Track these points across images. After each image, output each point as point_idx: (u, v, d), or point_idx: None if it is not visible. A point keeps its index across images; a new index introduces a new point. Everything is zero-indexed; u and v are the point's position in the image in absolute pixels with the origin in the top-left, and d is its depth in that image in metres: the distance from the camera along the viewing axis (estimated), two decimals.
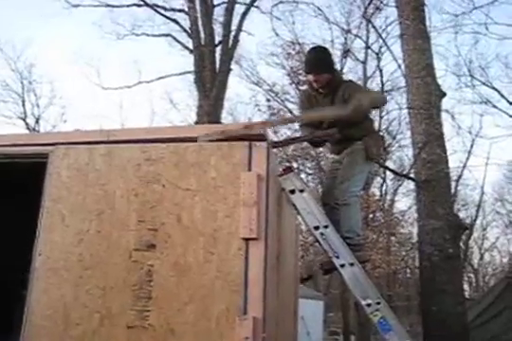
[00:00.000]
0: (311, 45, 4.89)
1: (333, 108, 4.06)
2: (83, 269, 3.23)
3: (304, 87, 4.87)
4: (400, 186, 25.49)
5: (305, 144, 13.38)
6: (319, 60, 4.23)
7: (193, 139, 3.38)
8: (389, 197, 25.47)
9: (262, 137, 3.32)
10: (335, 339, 20.90)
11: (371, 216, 17.23)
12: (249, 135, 3.31)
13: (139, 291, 3.12)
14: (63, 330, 3.13)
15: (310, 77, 4.22)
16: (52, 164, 3.52)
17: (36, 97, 26.15)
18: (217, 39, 14.57)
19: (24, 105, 25.69)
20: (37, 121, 25.63)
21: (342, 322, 20.40)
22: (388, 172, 21.32)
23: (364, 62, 18.21)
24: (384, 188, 24.73)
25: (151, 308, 3.07)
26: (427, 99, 7.26)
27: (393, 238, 22.41)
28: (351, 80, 4.89)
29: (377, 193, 22.78)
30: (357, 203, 4.19)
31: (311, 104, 4.34)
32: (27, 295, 3.25)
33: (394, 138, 21.71)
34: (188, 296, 3.05)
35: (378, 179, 24.39)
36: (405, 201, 29.64)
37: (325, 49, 4.54)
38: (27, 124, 24.96)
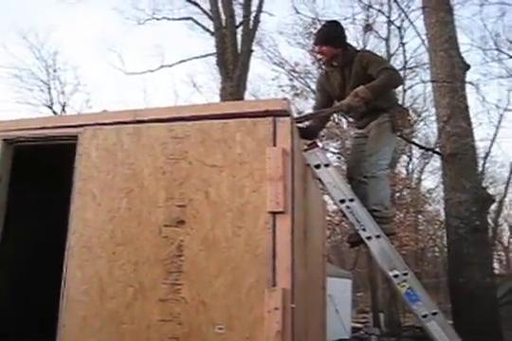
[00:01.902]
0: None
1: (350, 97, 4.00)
2: (116, 245, 3.32)
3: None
4: (427, 164, 25.29)
5: (329, 123, 13.36)
6: (323, 33, 4.34)
7: (219, 117, 3.43)
8: (416, 175, 25.32)
9: (285, 113, 3.35)
10: (363, 317, 20.97)
11: (397, 194, 17.15)
12: (274, 112, 3.35)
13: (170, 265, 3.20)
14: (99, 304, 3.24)
15: (317, 48, 4.32)
16: (82, 145, 3.61)
17: (61, 84, 26.37)
18: (238, 20, 14.50)
19: (50, 93, 25.92)
20: (63, 108, 25.88)
21: (371, 301, 20.48)
22: (414, 151, 21.17)
23: (387, 39, 17.97)
24: (410, 166, 24.59)
25: (182, 281, 3.15)
26: (450, 72, 7.20)
27: (420, 216, 22.33)
28: (365, 50, 4.91)
29: (404, 172, 22.68)
30: (386, 176, 4.21)
31: (330, 82, 4.36)
32: (64, 271, 3.37)
33: (420, 116, 21.48)
34: (217, 270, 3.12)
35: (405, 157, 24.24)
36: (432, 179, 29.36)
37: (335, 24, 4.53)
38: (54, 112, 25.22)
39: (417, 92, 21.29)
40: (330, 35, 4.26)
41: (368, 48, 16.99)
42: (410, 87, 15.28)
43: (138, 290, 3.20)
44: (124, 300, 3.20)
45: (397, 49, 18.24)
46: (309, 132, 4.19)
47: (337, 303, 14.41)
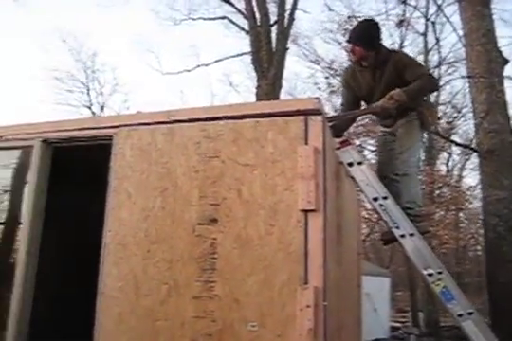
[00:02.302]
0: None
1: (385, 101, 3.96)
2: (150, 243, 3.38)
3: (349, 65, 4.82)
4: (468, 160, 24.82)
5: (366, 121, 13.25)
6: (360, 32, 4.19)
7: (251, 116, 3.45)
8: (456, 172, 24.91)
9: (317, 111, 3.35)
10: (403, 317, 20.72)
11: (437, 192, 16.87)
12: (305, 111, 3.35)
13: (204, 263, 3.24)
14: (134, 300, 3.31)
15: (349, 46, 4.23)
16: (117, 145, 3.68)
17: (100, 85, 26.95)
18: (272, 18, 14.51)
19: (89, 94, 26.53)
20: (102, 109, 26.42)
21: (410, 300, 20.23)
22: (454, 147, 20.80)
23: (424, 34, 17.67)
24: (450, 163, 24.20)
25: (215, 279, 3.19)
26: (487, 67, 7.05)
27: (461, 214, 21.93)
28: (399, 51, 4.83)
29: (444, 169, 22.32)
30: (417, 173, 4.18)
31: (356, 81, 4.31)
32: (100, 268, 3.45)
33: (459, 112, 21.11)
34: (250, 268, 3.15)
35: (444, 154, 23.86)
36: (473, 176, 28.79)
37: (371, 24, 4.37)
38: (92, 112, 25.76)
39: (457, 87, 20.93)
40: (364, 36, 4.14)
41: (405, 43, 16.79)
42: (448, 82, 15.02)
43: (173, 287, 3.26)
44: (159, 297, 3.26)
45: (435, 44, 17.97)
46: (335, 130, 4.15)
47: (374, 302, 14.30)
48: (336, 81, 17.36)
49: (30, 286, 3.73)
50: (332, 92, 17.62)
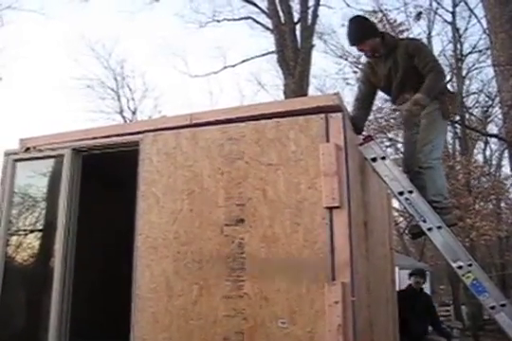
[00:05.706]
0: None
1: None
2: (180, 245, 3.47)
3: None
4: (505, 149, 24.28)
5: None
6: (355, 30, 4.23)
7: (271, 116, 3.50)
8: (495, 162, 24.47)
9: (337, 108, 3.38)
10: (446, 310, 20.41)
11: (475, 182, 16.57)
12: (325, 107, 3.38)
13: (233, 263, 3.31)
14: (167, 301, 3.39)
15: (358, 48, 4.28)
16: (143, 150, 3.77)
17: (131, 91, 27.33)
18: (296, 16, 14.52)
19: (119, 100, 26.93)
20: (134, 114, 26.79)
21: (452, 293, 19.95)
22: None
23: (452, 23, 17.39)
24: (488, 152, 23.76)
25: (245, 278, 3.25)
26: None
27: (503, 204, 21.47)
28: (412, 38, 4.85)
29: (481, 159, 21.92)
30: (441, 165, 4.17)
31: (374, 73, 4.33)
32: (133, 271, 3.55)
33: (493, 100, 20.69)
34: (278, 266, 3.20)
35: (481, 145, 23.43)
36: None
37: (359, 17, 4.53)
38: (124, 118, 26.13)
39: (490, 74, 20.54)
40: (362, 30, 4.20)
41: (433, 34, 16.54)
42: (475, 69, 14.64)
43: (204, 287, 3.33)
44: (191, 297, 3.34)
45: (464, 32, 17.68)
46: (356, 127, 4.12)
47: None
48: None
49: (68, 289, 3.84)
50: None
